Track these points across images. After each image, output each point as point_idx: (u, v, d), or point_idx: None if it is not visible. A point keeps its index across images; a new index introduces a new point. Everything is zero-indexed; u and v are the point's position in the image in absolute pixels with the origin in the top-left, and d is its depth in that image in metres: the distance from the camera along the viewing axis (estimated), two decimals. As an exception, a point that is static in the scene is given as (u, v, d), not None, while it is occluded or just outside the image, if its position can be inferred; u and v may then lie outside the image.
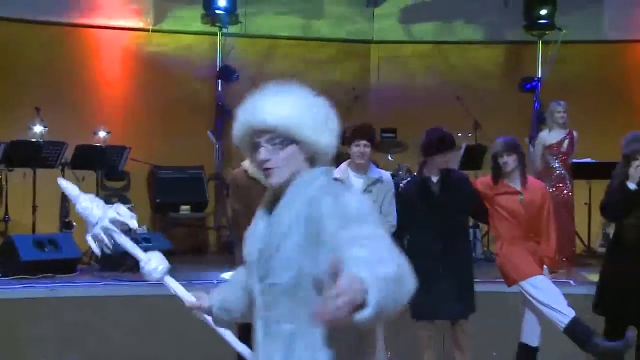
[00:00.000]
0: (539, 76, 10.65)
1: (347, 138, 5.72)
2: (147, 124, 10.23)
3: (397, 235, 5.97)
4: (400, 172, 8.82)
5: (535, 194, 6.01)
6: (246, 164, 5.40)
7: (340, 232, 2.41)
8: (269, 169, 2.58)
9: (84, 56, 10.34)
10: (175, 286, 3.10)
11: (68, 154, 8.93)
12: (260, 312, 2.65)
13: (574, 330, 5.81)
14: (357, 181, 5.78)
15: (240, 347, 3.04)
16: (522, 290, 5.91)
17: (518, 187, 5.96)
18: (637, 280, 5.78)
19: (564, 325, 5.81)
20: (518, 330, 6.09)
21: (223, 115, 10.27)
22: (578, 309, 5.99)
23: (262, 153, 2.57)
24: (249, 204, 5.25)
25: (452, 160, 7.46)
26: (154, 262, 3.08)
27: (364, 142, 5.71)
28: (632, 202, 5.75)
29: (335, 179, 5.94)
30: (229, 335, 3.08)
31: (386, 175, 6.00)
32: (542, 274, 5.92)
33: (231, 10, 10.39)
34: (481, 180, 6.34)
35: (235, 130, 2.69)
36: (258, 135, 2.60)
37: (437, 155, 5.87)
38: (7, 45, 9.78)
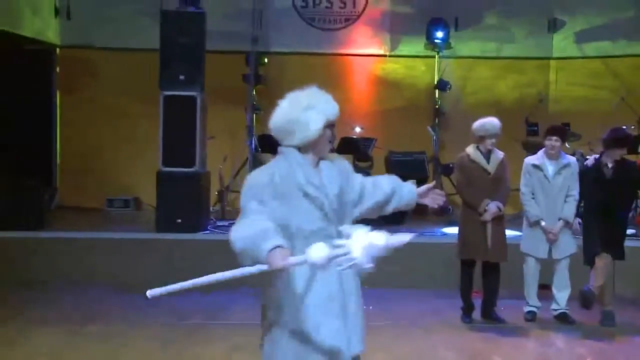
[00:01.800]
0: None
1: (544, 133, 6.14)
2: (387, 123, 10.64)
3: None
4: (576, 156, 8.86)
5: None
6: (470, 149, 6.03)
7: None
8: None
9: (339, 77, 10.72)
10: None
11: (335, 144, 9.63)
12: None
13: None
14: (550, 166, 6.03)
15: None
16: None
17: None
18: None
19: None
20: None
21: (439, 115, 10.72)
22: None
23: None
24: (469, 178, 5.91)
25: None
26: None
27: (555, 137, 6.01)
28: None
29: (534, 165, 6.41)
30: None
31: (573, 160, 6.17)
32: None
33: (445, 39, 10.67)
34: None
35: (320, 121, 2.81)
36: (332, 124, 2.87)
37: (617, 149, 5.94)
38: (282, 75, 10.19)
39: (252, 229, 2.67)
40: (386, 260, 6.98)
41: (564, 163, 6.06)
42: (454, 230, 6.69)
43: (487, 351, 5.27)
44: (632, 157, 8.24)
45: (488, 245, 5.92)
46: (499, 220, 5.97)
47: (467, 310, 6.13)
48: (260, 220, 2.70)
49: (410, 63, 11.04)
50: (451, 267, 6.34)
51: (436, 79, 10.78)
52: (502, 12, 10.91)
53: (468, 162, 6.01)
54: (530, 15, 10.88)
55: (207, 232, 8.15)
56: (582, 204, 6.29)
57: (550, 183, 6.05)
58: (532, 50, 10.95)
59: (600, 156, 6.05)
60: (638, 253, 6.89)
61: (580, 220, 6.15)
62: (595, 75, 10.81)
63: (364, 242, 2.58)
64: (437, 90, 10.76)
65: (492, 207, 5.88)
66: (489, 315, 6.12)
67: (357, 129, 10.02)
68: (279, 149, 2.94)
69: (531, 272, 6.16)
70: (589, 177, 6.06)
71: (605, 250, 5.86)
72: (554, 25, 10.93)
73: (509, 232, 6.30)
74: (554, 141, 6.00)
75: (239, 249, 2.68)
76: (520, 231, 6.38)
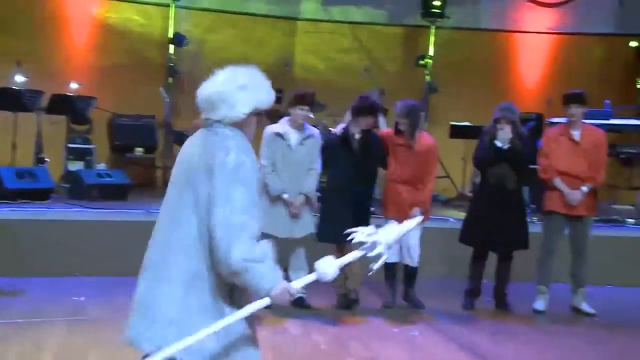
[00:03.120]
0: (431, 54, 11.07)
1: (294, 99, 6.15)
2: (111, 80, 10.23)
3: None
4: (319, 127, 9.29)
5: (424, 148, 6.25)
6: None
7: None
8: None
9: (59, 20, 10.30)
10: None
11: (45, 101, 8.92)
12: None
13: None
14: (294, 135, 6.14)
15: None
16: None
17: (412, 142, 6.23)
18: (496, 215, 6.29)
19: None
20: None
21: (173, 74, 10.49)
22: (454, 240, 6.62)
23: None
24: None
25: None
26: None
27: (307, 107, 6.12)
28: (496, 156, 6.28)
29: (277, 134, 6.54)
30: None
31: (317, 132, 6.35)
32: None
33: None
34: (387, 131, 6.66)
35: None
36: None
37: (364, 118, 6.13)
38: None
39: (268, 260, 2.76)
40: (102, 246, 6.53)
41: (308, 134, 6.19)
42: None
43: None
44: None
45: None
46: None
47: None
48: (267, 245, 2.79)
49: (141, 10, 10.74)
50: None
51: (171, 31, 10.59)
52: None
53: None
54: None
55: None
56: (324, 179, 6.55)
57: (293, 153, 6.14)
58: (279, 9, 11.22)
59: (348, 126, 6.29)
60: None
61: (318, 194, 6.41)
62: (340, 42, 11.45)
63: (394, 235, 3.02)
64: (171, 45, 10.57)
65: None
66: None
67: (73, 85, 9.46)
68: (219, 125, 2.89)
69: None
70: (336, 148, 6.28)
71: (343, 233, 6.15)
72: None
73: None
74: (306, 111, 6.12)
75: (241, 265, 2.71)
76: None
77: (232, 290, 2.84)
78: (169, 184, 2.99)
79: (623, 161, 10.45)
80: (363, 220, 6.06)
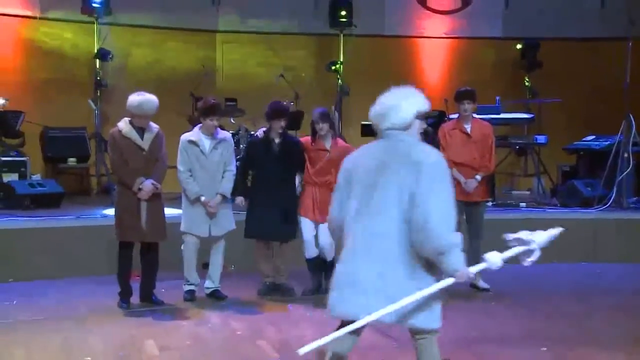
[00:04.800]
0: (341, 60, 11.14)
1: (203, 111, 6.14)
2: (41, 95, 10.14)
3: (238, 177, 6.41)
4: (241, 131, 9.26)
5: (340, 153, 6.02)
6: (122, 124, 5.91)
7: None
8: None
9: None
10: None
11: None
12: None
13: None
14: (207, 141, 6.16)
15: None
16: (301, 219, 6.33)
17: (328, 147, 6.28)
18: None
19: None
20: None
21: (100, 87, 10.33)
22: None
23: None
24: (123, 155, 5.85)
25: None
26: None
27: (217, 117, 6.15)
28: None
29: (190, 141, 6.62)
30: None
31: (228, 136, 6.38)
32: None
33: (104, 4, 10.22)
34: (305, 138, 6.58)
35: None
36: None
37: (277, 121, 6.26)
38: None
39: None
40: (36, 251, 6.48)
41: (220, 138, 6.24)
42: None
43: (141, 336, 5.22)
44: (294, 132, 9.07)
45: (143, 226, 5.89)
46: (156, 199, 5.96)
47: (124, 295, 6.06)
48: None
49: (66, 28, 10.63)
50: (114, 251, 6.17)
51: (96, 47, 10.43)
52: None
53: (120, 139, 5.91)
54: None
55: None
56: (249, 178, 6.63)
57: (207, 158, 6.18)
58: (197, 22, 11.16)
59: (268, 131, 6.40)
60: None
61: (243, 200, 6.47)
62: (258, 51, 11.54)
63: (545, 238, 3.52)
64: (97, 60, 10.40)
65: (147, 185, 5.86)
66: (148, 298, 6.13)
67: (0, 101, 9.33)
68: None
69: (191, 250, 6.26)
70: (258, 150, 6.37)
71: (268, 230, 6.29)
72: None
73: (169, 211, 6.35)
74: (215, 121, 6.15)
75: (445, 246, 3.20)
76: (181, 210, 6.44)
77: (424, 267, 3.31)
78: (353, 185, 3.44)
79: (517, 151, 10.87)
80: (287, 218, 6.33)
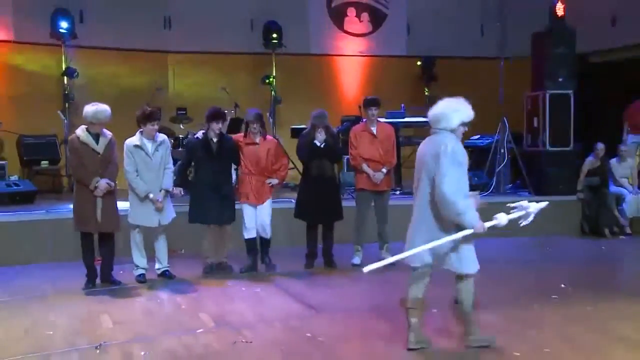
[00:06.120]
0: (274, 75, 11.00)
1: (144, 118, 5.94)
2: (17, 108, 9.81)
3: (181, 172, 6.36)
4: (189, 135, 9.04)
5: (268, 146, 6.29)
6: (80, 132, 5.70)
7: None
8: None
9: None
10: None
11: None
12: None
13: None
14: (149, 144, 5.96)
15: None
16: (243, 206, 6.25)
17: (257, 141, 6.30)
18: (318, 196, 6.38)
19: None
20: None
21: (68, 101, 10.05)
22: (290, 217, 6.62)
23: None
24: (81, 158, 5.62)
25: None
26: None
27: (155, 123, 5.99)
28: (316, 153, 6.37)
29: (135, 145, 6.41)
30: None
31: (165, 138, 6.13)
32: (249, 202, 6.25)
33: (71, 29, 10.03)
34: (237, 136, 6.54)
35: None
36: None
37: (214, 123, 6.17)
38: None
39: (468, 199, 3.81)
40: (11, 241, 6.16)
41: (160, 141, 6.07)
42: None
43: (99, 311, 5.08)
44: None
45: (98, 218, 5.72)
46: (110, 195, 5.80)
47: (90, 276, 5.88)
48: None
49: (38, 50, 10.22)
50: (78, 241, 5.91)
51: (64, 67, 10.13)
52: (125, 6, 10.51)
53: (79, 144, 5.71)
54: (149, 11, 10.80)
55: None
56: (190, 173, 6.51)
57: (151, 160, 6.02)
58: (151, 44, 10.86)
59: (207, 132, 6.27)
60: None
61: (182, 190, 6.31)
62: (203, 68, 11.28)
63: (537, 208, 3.98)
64: (65, 77, 10.12)
65: (102, 184, 5.70)
66: (107, 278, 5.96)
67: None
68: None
69: (138, 240, 6.10)
70: (198, 149, 6.21)
71: (209, 215, 6.17)
72: (169, 22, 11.03)
73: (122, 205, 6.16)
74: (155, 125, 5.97)
75: (460, 209, 3.75)
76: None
77: (450, 223, 3.84)
78: (418, 165, 4.02)
79: (420, 148, 10.91)
80: (224, 205, 6.23)
